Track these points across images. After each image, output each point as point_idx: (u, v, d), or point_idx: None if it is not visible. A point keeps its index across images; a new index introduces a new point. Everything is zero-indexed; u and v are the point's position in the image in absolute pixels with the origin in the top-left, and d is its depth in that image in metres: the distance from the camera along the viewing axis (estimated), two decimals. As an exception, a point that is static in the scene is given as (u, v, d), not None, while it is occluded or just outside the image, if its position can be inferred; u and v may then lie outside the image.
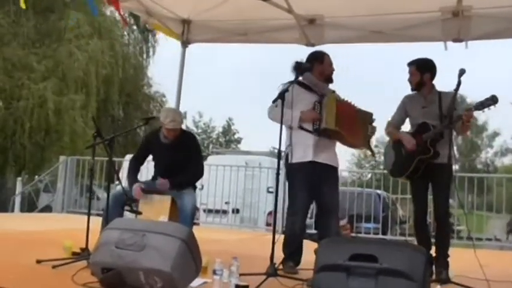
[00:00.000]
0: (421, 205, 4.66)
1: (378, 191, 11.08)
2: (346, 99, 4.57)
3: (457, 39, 5.63)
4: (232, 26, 6.40)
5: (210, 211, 11.22)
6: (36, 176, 17.08)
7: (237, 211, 11.50)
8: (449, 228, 4.83)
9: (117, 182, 5.06)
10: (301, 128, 4.39)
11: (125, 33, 23.20)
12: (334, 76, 4.64)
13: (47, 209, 12.81)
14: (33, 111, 18.23)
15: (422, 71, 4.62)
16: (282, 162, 4.08)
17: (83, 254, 4.20)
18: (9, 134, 18.65)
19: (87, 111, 19.40)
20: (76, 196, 11.83)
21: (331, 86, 4.66)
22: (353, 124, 4.38)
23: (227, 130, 41.57)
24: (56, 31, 19.54)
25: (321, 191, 4.43)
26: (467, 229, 9.64)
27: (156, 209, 4.78)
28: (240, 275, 3.77)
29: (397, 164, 4.71)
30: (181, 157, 4.89)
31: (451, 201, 10.85)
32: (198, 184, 11.25)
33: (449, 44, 5.72)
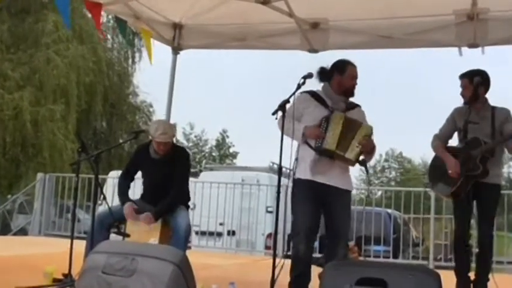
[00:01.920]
0: (463, 226, 4.79)
1: (389, 210, 11.14)
2: (364, 115, 4.60)
3: (472, 45, 5.76)
4: (228, 31, 6.52)
5: (203, 233, 11.25)
6: (9, 196, 17.09)
7: (233, 233, 11.53)
8: (491, 252, 4.96)
9: (99, 202, 5.11)
10: (306, 143, 4.45)
11: (109, 37, 23.36)
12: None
13: (22, 231, 12.82)
14: (7, 123, 18.35)
15: (478, 86, 4.71)
16: (282, 179, 4.15)
17: (65, 280, 4.27)
18: (-19, 149, 18.73)
19: (67, 123, 19.50)
20: (54, 218, 11.85)
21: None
22: (349, 140, 4.37)
23: (221, 143, 41.68)
24: (33, 35, 19.68)
25: (329, 215, 4.47)
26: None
27: (146, 231, 4.85)
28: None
29: (443, 180, 4.84)
30: (171, 173, 4.95)
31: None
32: (190, 203, 11.34)
33: (465, 49, 5.85)
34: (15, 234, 12.78)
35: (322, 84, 4.63)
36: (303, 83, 4.40)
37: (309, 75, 4.41)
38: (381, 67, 50.61)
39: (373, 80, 54.07)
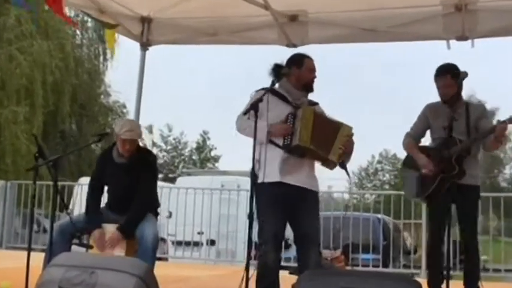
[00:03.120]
0: (438, 231, 4.81)
1: (378, 215, 11.21)
2: (324, 112, 4.63)
3: (461, 37, 5.80)
4: (199, 25, 6.51)
5: (179, 243, 11.26)
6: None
7: (212, 242, 11.54)
8: (478, 258, 4.96)
9: (69, 211, 5.08)
10: (270, 142, 4.42)
11: (77, 32, 23.29)
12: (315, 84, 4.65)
13: (-17, 244, 12.70)
14: (-33, 126, 18.25)
15: (459, 80, 4.63)
16: (247, 182, 4.17)
17: (22, 296, 4.24)
18: None
19: (32, 125, 19.41)
20: (18, 229, 11.75)
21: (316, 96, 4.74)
22: (330, 141, 4.40)
23: (202, 146, 41.63)
24: (-7, 31, 19.59)
25: (296, 219, 4.48)
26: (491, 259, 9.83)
27: (111, 241, 4.83)
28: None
29: (415, 183, 4.87)
30: (137, 179, 4.92)
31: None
32: (165, 211, 11.26)
33: (453, 42, 5.89)
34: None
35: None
36: (278, 80, 4.46)
37: (284, 72, 4.48)
38: (370, 63, 51.18)
39: (362, 76, 54.66)
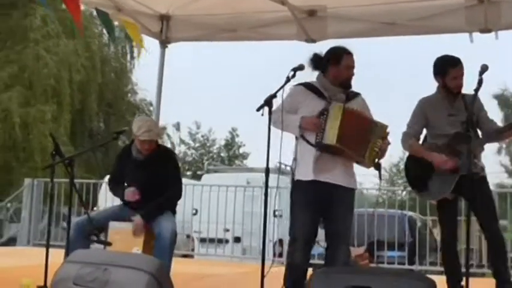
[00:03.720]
0: (451, 228, 4.76)
1: (408, 213, 11.14)
2: (357, 108, 4.48)
3: (484, 30, 5.74)
4: (218, 21, 6.55)
5: (205, 240, 11.32)
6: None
7: (237, 240, 11.58)
8: (505, 246, 4.82)
9: (95, 208, 5.17)
10: (302, 137, 4.40)
11: (104, 31, 23.51)
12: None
13: (13, 241, 12.93)
14: (-4, 126, 18.57)
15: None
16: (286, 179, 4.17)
17: (41, 293, 4.32)
18: (-32, 154, 18.94)
19: (59, 124, 19.67)
20: (49, 226, 11.90)
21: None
22: (362, 140, 4.32)
23: (230, 143, 41.62)
24: (21, 30, 19.86)
25: (329, 216, 4.46)
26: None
27: (128, 239, 4.89)
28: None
29: (433, 183, 4.75)
30: (157, 177, 4.99)
31: (504, 222, 10.86)
32: (191, 209, 11.33)
33: (476, 35, 5.82)
34: (5, 244, 12.90)
35: (316, 73, 4.56)
36: (293, 76, 4.38)
37: (300, 67, 4.39)
38: (397, 57, 50.70)
39: (392, 71, 54.20)
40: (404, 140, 4.84)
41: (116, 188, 5.23)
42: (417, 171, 4.84)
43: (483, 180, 4.72)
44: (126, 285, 3.37)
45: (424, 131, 4.90)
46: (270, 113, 4.16)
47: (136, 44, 6.75)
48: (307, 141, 4.41)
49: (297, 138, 4.48)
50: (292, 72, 4.33)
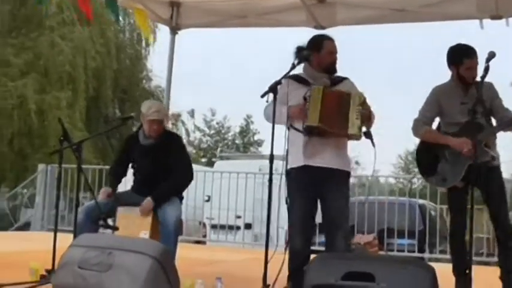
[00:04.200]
0: (461, 217, 4.70)
1: (416, 200, 11.12)
2: (354, 87, 4.57)
3: (495, 16, 5.72)
4: (228, 8, 6.56)
5: (216, 227, 11.39)
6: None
7: (248, 226, 11.64)
8: None
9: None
10: (292, 127, 4.47)
11: (120, 18, 23.56)
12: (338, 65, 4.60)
13: (28, 226, 13.10)
14: (11, 112, 18.67)
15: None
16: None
17: (48, 276, 4.38)
18: (-16, 141, 19.09)
19: (74, 110, 19.77)
20: (64, 211, 12.05)
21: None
22: (341, 114, 4.34)
23: (245, 130, 41.67)
24: (36, 18, 19.92)
25: (324, 200, 4.51)
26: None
27: (136, 223, 4.94)
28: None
29: (442, 170, 4.73)
30: (164, 161, 5.03)
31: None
32: (203, 195, 11.37)
33: (486, 21, 5.78)
34: (19, 229, 13.06)
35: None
36: (299, 63, 4.44)
37: (306, 55, 4.47)
38: (413, 45, 50.38)
39: (403, 58, 53.86)
40: (416, 127, 4.81)
41: (112, 174, 5.32)
42: (428, 158, 4.81)
43: (495, 169, 4.67)
44: (130, 269, 3.42)
45: (437, 120, 4.87)
46: (274, 99, 4.19)
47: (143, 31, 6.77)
48: (296, 129, 4.47)
49: (288, 129, 4.51)
50: (297, 60, 4.39)
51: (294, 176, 4.47)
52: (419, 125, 4.79)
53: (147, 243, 3.77)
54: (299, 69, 4.54)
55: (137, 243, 3.71)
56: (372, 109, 4.49)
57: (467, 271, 4.56)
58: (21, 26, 20.23)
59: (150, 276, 3.41)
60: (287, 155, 4.35)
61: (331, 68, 4.58)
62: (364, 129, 4.41)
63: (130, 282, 3.38)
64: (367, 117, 4.40)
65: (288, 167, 4.47)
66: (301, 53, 4.53)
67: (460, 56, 4.67)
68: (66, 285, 3.52)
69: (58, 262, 3.71)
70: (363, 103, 4.38)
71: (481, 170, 4.41)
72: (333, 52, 4.59)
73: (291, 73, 4.46)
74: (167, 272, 3.54)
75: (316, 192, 4.48)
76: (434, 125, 4.89)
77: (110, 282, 3.40)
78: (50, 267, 4.62)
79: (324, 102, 4.31)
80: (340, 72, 4.68)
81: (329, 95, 4.37)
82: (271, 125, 4.23)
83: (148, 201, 4.95)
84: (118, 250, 3.53)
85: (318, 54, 4.54)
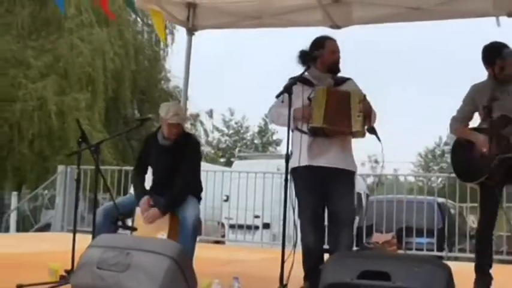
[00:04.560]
0: (490, 216, 4.72)
1: (435, 198, 11.08)
2: (357, 88, 4.60)
3: (511, 13, 5.66)
4: (244, 9, 6.54)
5: (235, 226, 11.43)
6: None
7: (267, 226, 11.66)
8: None
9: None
10: (297, 129, 4.52)
11: (137, 18, 23.68)
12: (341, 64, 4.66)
13: (48, 227, 13.24)
14: (32, 114, 18.89)
15: None
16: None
17: (68, 277, 4.44)
18: (5, 142, 19.29)
19: (94, 112, 19.95)
20: (84, 212, 12.16)
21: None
22: (343, 113, 4.40)
23: (264, 130, 41.71)
24: (55, 20, 20.13)
25: (329, 199, 4.56)
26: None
27: (154, 224, 4.97)
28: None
29: (470, 165, 4.74)
30: (181, 162, 5.05)
31: None
32: (222, 195, 11.42)
33: (503, 19, 5.74)
34: (40, 230, 13.21)
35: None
36: (310, 64, 4.50)
37: (318, 55, 4.53)
38: (430, 43, 50.05)
39: (427, 57, 53.52)
40: (450, 124, 4.93)
41: (136, 179, 5.28)
42: (461, 155, 4.86)
43: None
44: (148, 269, 3.47)
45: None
46: (290, 99, 4.21)
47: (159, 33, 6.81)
48: (301, 131, 4.53)
49: (292, 131, 4.54)
50: (307, 61, 4.48)
51: (299, 175, 4.52)
52: (453, 122, 4.90)
53: (165, 243, 3.81)
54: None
55: (155, 243, 3.76)
56: (373, 107, 4.54)
57: (490, 271, 4.59)
58: (41, 28, 20.45)
59: (168, 276, 3.45)
60: (290, 156, 4.34)
61: (334, 68, 4.64)
62: (366, 125, 4.45)
63: (148, 282, 3.42)
64: (368, 114, 4.45)
65: (293, 166, 4.49)
66: (305, 56, 4.59)
67: (493, 56, 4.71)
68: (85, 285, 3.57)
69: (77, 263, 3.75)
70: (363, 100, 4.43)
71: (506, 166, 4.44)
72: (335, 51, 4.65)
73: (294, 75, 4.50)
74: (184, 272, 3.58)
75: (322, 191, 4.54)
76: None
77: (128, 282, 3.44)
78: (69, 267, 4.67)
79: (328, 102, 4.38)
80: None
81: (332, 95, 4.43)
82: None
83: (154, 211, 4.95)
84: (136, 250, 3.58)
85: (321, 54, 4.60)
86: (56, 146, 19.76)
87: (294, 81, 4.27)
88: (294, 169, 4.49)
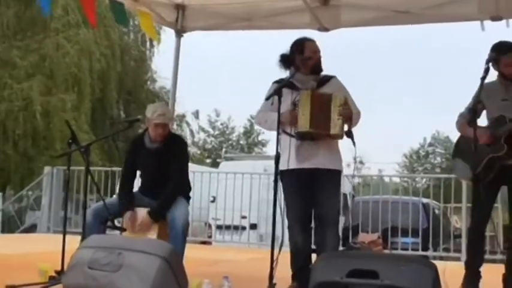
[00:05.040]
0: (482, 214, 4.74)
1: (420, 199, 11.20)
2: (342, 86, 4.67)
3: (496, 17, 5.74)
4: (233, 11, 6.60)
5: (224, 227, 11.46)
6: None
7: (254, 226, 11.70)
8: None
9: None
10: (284, 132, 4.55)
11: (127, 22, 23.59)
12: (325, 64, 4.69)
13: (33, 228, 13.19)
14: (17, 114, 18.82)
15: None
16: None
17: (58, 277, 4.46)
18: (-10, 143, 19.20)
19: (80, 113, 19.92)
20: (70, 214, 12.12)
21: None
22: (325, 116, 4.44)
23: (249, 131, 41.80)
24: (41, 20, 20.02)
25: (315, 199, 4.62)
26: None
27: (143, 225, 5.00)
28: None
29: (465, 162, 4.79)
30: (169, 165, 5.08)
31: None
32: (209, 196, 11.43)
33: (487, 23, 5.83)
34: (25, 231, 13.16)
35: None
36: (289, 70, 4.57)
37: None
38: (415, 45, 50.40)
39: (411, 58, 53.87)
40: (457, 120, 4.94)
41: (124, 186, 5.27)
42: (458, 150, 4.92)
43: None
44: (139, 269, 3.50)
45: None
46: (279, 102, 4.25)
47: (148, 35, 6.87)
48: (289, 134, 4.58)
49: (279, 133, 4.50)
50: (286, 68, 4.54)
51: (288, 177, 4.57)
52: (459, 118, 4.91)
53: (156, 243, 3.84)
54: (285, 75, 4.64)
55: (146, 243, 3.79)
56: (357, 109, 4.63)
57: (480, 268, 4.66)
58: (27, 28, 20.38)
59: (159, 276, 3.49)
60: (278, 158, 4.34)
61: (316, 68, 4.67)
62: (346, 128, 4.52)
63: (140, 281, 3.45)
64: (348, 117, 4.50)
65: (282, 168, 4.51)
66: (286, 60, 4.64)
67: (497, 54, 4.69)
68: (76, 285, 3.60)
69: (68, 263, 3.78)
70: (344, 103, 4.48)
71: (498, 165, 4.50)
72: (316, 51, 4.67)
73: (277, 79, 4.62)
74: (175, 272, 3.62)
75: (309, 192, 4.60)
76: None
77: (121, 282, 3.48)
78: (58, 268, 4.69)
79: (313, 107, 4.43)
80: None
81: (316, 99, 4.48)
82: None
83: (146, 220, 4.96)
84: (127, 251, 3.61)
85: (301, 55, 4.62)
86: (41, 146, 19.72)
87: (282, 84, 4.31)
88: (283, 172, 4.52)
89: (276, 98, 4.24)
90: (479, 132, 4.53)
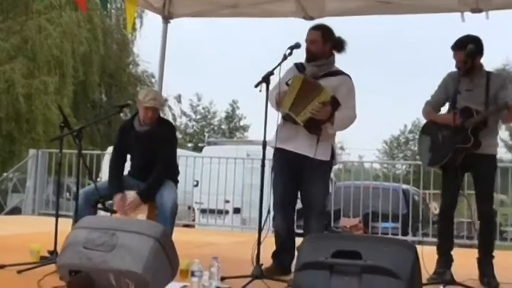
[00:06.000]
0: (450, 200, 4.95)
1: (403, 186, 11.43)
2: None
3: (475, 9, 5.92)
4: (220, -3, 6.71)
5: (206, 211, 11.60)
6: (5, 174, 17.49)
7: (237, 211, 11.86)
8: (494, 227, 5.15)
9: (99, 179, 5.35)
10: (278, 111, 4.73)
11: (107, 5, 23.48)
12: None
13: (17, 211, 13.22)
14: (-1, 96, 18.71)
15: (474, 55, 4.73)
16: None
17: (51, 257, 4.58)
18: (-29, 125, 19.10)
19: (62, 95, 19.87)
20: (51, 196, 12.19)
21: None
22: (304, 102, 4.56)
23: (231, 115, 41.76)
24: (23, 2, 19.92)
25: (301, 186, 4.79)
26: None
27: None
28: (225, 278, 4.17)
29: (432, 151, 4.97)
30: (158, 148, 5.22)
31: (504, 197, 11.00)
32: (192, 180, 11.56)
33: (467, 14, 6.00)
34: (9, 213, 13.17)
35: None
36: (290, 54, 4.63)
37: (296, 46, 4.64)
38: (396, 35, 50.70)
39: (394, 48, 54.14)
40: (423, 107, 5.12)
41: (114, 169, 5.37)
42: (426, 139, 5.06)
43: (488, 157, 4.84)
44: (132, 249, 3.62)
45: None
46: (267, 89, 4.41)
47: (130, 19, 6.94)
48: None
49: (267, 117, 4.70)
50: (288, 50, 4.60)
51: (275, 156, 4.79)
52: (426, 106, 5.10)
53: (148, 224, 3.98)
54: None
55: (138, 224, 3.92)
56: (350, 113, 4.75)
57: (451, 252, 4.87)
58: (8, 9, 20.25)
59: (152, 256, 3.61)
60: (265, 144, 4.47)
61: (308, 56, 4.82)
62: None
63: (133, 261, 3.58)
64: (322, 116, 4.59)
65: (271, 145, 4.71)
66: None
67: (453, 49, 4.90)
68: (72, 265, 3.71)
69: (63, 243, 3.90)
70: (325, 103, 4.57)
71: (464, 154, 4.68)
72: (309, 41, 4.82)
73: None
74: (167, 252, 3.75)
75: (295, 176, 4.76)
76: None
77: (115, 262, 3.60)
78: (50, 249, 4.81)
79: (300, 91, 4.57)
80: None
81: (307, 85, 4.61)
82: (257, 110, 4.48)
83: (135, 200, 5.13)
84: (120, 231, 3.74)
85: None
86: (23, 129, 19.64)
87: (271, 71, 4.42)
88: (275, 150, 4.75)
89: (264, 85, 4.39)
90: (451, 118, 4.70)
